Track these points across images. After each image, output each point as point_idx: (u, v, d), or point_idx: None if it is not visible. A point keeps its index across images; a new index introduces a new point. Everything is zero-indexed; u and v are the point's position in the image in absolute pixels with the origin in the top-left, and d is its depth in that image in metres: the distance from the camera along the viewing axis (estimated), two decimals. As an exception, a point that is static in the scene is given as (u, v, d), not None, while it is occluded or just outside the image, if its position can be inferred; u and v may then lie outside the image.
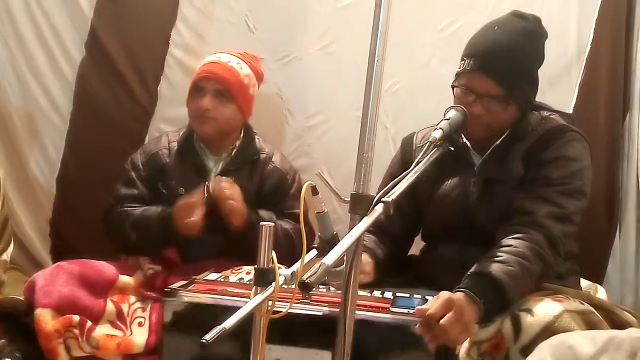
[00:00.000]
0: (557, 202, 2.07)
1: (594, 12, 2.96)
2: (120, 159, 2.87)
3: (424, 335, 1.75)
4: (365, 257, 2.21)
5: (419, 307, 1.79)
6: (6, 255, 2.70)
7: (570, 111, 2.93)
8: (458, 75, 2.21)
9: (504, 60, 2.13)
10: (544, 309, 1.87)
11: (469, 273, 1.92)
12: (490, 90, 2.13)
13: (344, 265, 1.55)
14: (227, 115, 2.68)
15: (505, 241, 1.99)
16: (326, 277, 1.36)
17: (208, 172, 2.70)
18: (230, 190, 2.53)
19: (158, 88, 3.18)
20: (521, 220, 2.04)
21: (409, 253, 2.55)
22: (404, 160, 2.40)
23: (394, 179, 1.65)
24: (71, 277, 2.36)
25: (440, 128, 1.94)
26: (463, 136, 2.23)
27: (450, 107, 2.08)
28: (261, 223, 1.50)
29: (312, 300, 1.94)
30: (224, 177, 2.59)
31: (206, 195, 2.53)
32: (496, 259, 1.93)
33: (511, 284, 1.88)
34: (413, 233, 2.50)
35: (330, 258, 1.33)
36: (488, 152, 2.24)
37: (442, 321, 1.73)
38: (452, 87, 2.22)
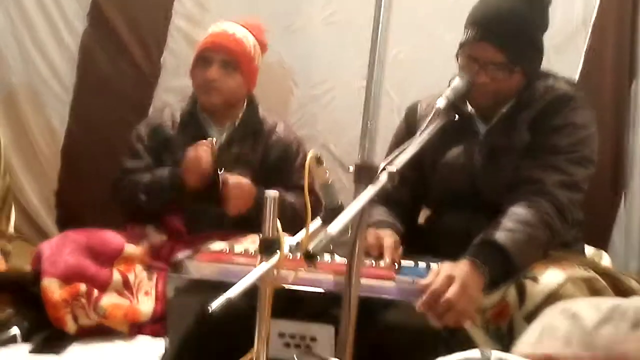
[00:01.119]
0: (565, 170, 2.06)
1: (600, -23, 2.94)
2: (124, 129, 2.87)
3: (428, 313, 1.75)
4: (388, 232, 2.17)
5: (421, 281, 1.79)
6: (11, 228, 2.72)
7: (577, 78, 2.91)
8: (462, 45, 2.19)
9: (506, 27, 2.11)
10: (549, 277, 1.88)
11: (475, 241, 1.93)
12: (494, 58, 2.11)
13: (349, 234, 1.55)
14: (232, 86, 2.67)
15: (513, 209, 1.99)
16: (331, 247, 1.36)
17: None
18: (243, 189, 2.55)
19: (161, 58, 3.17)
20: (529, 188, 2.04)
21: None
22: (409, 129, 2.38)
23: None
24: (77, 246, 2.38)
25: (445, 97, 1.93)
26: (469, 104, 2.22)
27: (455, 76, 2.07)
28: (266, 193, 1.50)
29: (317, 270, 1.94)
30: (235, 178, 2.58)
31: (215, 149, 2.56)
32: (503, 226, 1.93)
33: (517, 251, 1.89)
34: (420, 200, 2.49)
35: (335, 227, 1.33)
36: (494, 120, 2.23)
37: (447, 294, 1.73)
38: (457, 56, 2.20)
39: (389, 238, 2.10)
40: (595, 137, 2.18)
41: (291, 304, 1.82)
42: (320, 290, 1.89)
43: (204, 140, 2.57)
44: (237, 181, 2.54)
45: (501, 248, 1.88)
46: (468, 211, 2.23)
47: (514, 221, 1.95)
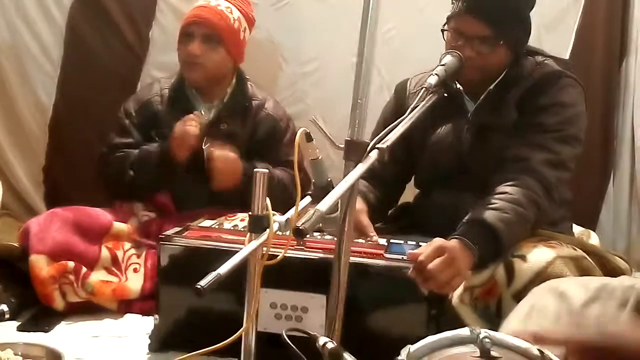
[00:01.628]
0: (552, 148, 2.07)
1: (592, -45, 2.92)
2: (112, 105, 2.85)
3: (416, 279, 1.78)
4: (359, 205, 2.19)
5: (411, 251, 1.81)
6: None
7: (567, 56, 2.90)
8: (449, 19, 2.18)
9: (492, 0, 2.10)
10: (537, 255, 1.89)
11: (464, 220, 1.93)
12: (479, 31, 2.10)
13: (339, 211, 1.55)
14: (216, 60, 2.65)
15: (501, 188, 1.99)
16: (320, 224, 1.36)
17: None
18: (229, 164, 2.54)
19: (150, 33, 3.13)
20: (516, 167, 2.04)
21: (404, 200, 2.55)
22: (398, 106, 2.37)
23: (387, 125, 1.64)
24: (65, 223, 2.37)
25: (436, 74, 1.91)
26: (457, 82, 2.20)
27: (446, 53, 2.05)
28: (255, 170, 1.49)
29: (306, 247, 1.95)
30: (223, 148, 2.58)
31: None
32: (491, 206, 1.94)
33: (506, 230, 1.89)
34: (405, 179, 2.48)
35: (324, 204, 1.33)
36: (482, 97, 2.21)
37: (430, 266, 1.75)
38: (442, 31, 2.18)
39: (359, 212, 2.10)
40: (583, 115, 2.18)
41: (283, 274, 1.82)
42: (314, 257, 1.89)
43: (192, 115, 2.57)
44: (223, 156, 2.54)
45: (490, 228, 1.89)
46: (456, 190, 2.23)
47: (502, 200, 1.95)
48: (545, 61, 2.23)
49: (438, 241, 1.81)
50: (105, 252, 2.43)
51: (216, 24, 2.63)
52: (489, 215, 1.91)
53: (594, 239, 2.44)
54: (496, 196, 1.97)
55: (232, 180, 2.53)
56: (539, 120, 2.11)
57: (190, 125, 2.52)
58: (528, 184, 1.99)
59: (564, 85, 2.15)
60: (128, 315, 2.38)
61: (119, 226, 2.51)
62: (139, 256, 2.50)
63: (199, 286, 1.23)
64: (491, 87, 2.20)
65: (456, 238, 1.85)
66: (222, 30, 2.63)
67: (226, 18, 2.65)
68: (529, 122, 2.12)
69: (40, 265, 2.28)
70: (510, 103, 2.16)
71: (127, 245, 2.51)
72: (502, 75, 2.19)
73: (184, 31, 2.66)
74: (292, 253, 1.83)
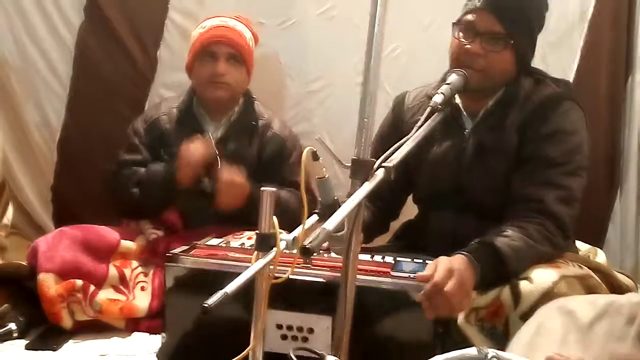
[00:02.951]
0: (562, 184, 2.07)
1: (596, -27, 2.93)
2: (120, 124, 2.86)
3: (425, 304, 1.75)
4: None
5: (420, 273, 1.79)
6: (7, 219, 2.71)
7: (573, 74, 2.91)
8: (463, 14, 2.16)
9: (511, 2, 2.11)
10: (542, 276, 1.89)
11: (473, 242, 1.93)
12: (492, 27, 2.09)
13: (345, 230, 1.55)
14: (239, 79, 2.69)
15: (515, 222, 2.00)
16: (327, 242, 1.36)
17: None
18: (235, 186, 2.54)
19: (158, 53, 3.15)
20: (530, 207, 2.04)
21: (407, 218, 2.54)
22: (395, 120, 2.36)
23: (383, 139, 1.64)
24: (73, 242, 2.38)
25: (442, 93, 1.89)
26: (456, 97, 2.18)
27: (451, 71, 2.05)
28: (262, 189, 1.50)
29: (313, 266, 1.95)
30: (231, 169, 2.57)
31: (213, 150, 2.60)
32: (502, 233, 1.95)
33: (513, 256, 1.90)
34: (403, 193, 2.47)
35: (331, 223, 1.33)
36: (480, 115, 2.20)
37: (446, 288, 1.73)
38: (453, 24, 2.16)
39: None
40: (586, 141, 2.17)
41: (289, 295, 1.82)
42: (320, 280, 1.89)
43: (199, 137, 2.58)
44: (230, 178, 2.53)
45: (497, 251, 1.90)
46: (453, 209, 2.23)
47: (513, 230, 1.96)
48: (545, 81, 2.21)
49: (445, 262, 1.80)
50: (113, 271, 2.44)
51: (238, 44, 2.67)
52: (499, 240, 1.93)
53: (600, 257, 2.43)
54: (510, 227, 1.98)
55: (235, 203, 2.53)
56: (544, 154, 2.10)
57: (196, 148, 2.54)
58: (544, 223, 2.01)
59: (565, 109, 2.14)
60: (135, 334, 2.39)
61: (127, 244, 2.52)
62: (146, 274, 2.51)
63: (205, 305, 1.24)
64: (489, 104, 2.19)
65: (462, 254, 1.85)
66: (242, 49, 2.68)
67: (245, 38, 2.71)
68: (534, 155, 2.11)
69: (49, 283, 2.29)
70: (511, 127, 2.15)
71: (135, 263, 2.52)
72: (502, 92, 2.18)
73: (205, 50, 2.68)
74: (297, 274, 1.83)
